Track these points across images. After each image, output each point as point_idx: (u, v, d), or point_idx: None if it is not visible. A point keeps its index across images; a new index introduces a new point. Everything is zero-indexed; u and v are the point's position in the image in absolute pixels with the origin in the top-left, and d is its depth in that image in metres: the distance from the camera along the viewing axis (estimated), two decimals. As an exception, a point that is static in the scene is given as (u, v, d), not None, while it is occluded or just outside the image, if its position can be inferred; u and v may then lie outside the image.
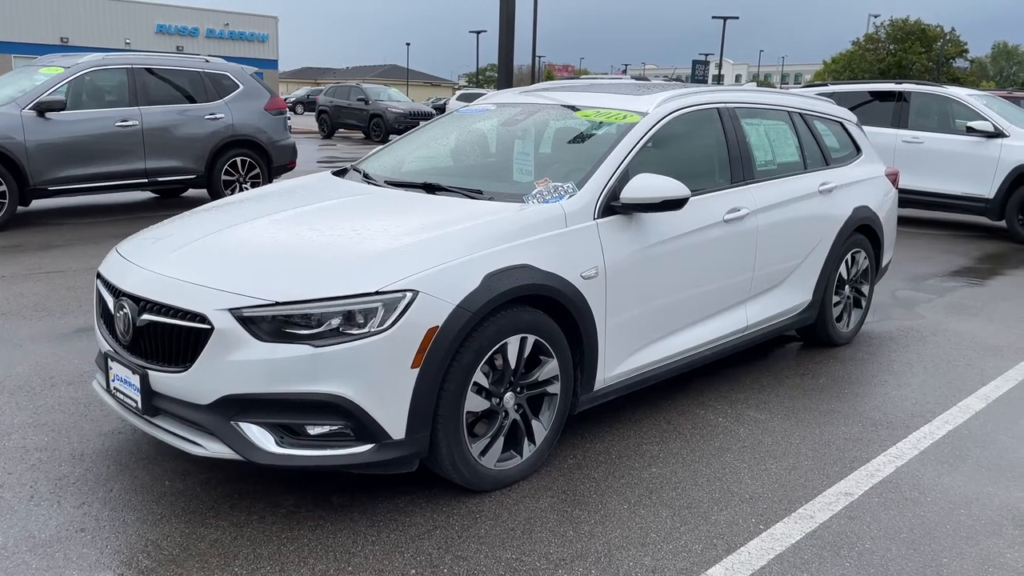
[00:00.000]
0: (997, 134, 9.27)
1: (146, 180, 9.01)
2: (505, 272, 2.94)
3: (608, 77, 26.96)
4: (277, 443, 2.70)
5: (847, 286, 5.08)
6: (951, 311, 6.09)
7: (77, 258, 6.87)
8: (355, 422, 2.69)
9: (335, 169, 4.38)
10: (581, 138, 3.99)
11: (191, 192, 10.55)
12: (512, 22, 13.12)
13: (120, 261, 3.18)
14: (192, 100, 9.31)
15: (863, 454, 3.54)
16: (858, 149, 5.31)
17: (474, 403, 2.93)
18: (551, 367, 3.17)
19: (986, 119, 9.39)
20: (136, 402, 2.89)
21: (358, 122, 25.27)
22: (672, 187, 3.38)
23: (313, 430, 2.72)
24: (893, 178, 5.52)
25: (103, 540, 2.70)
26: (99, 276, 3.25)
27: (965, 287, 6.95)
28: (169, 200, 10.46)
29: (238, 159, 9.69)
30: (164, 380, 2.80)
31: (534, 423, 3.18)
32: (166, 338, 2.81)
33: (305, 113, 43.86)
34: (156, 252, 3.13)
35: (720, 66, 55.82)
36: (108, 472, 3.16)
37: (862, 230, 5.05)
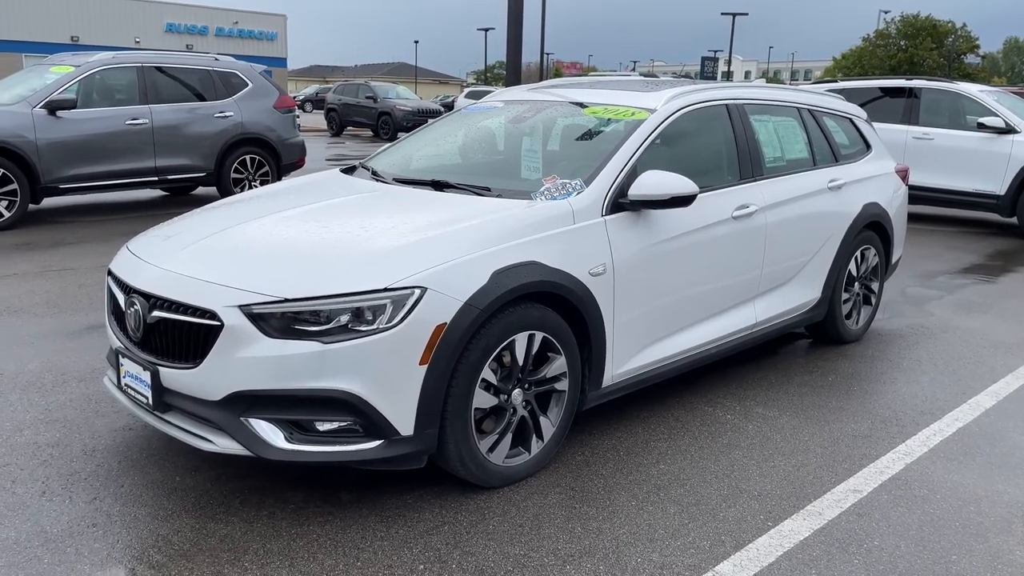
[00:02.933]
0: (1008, 130, 9.21)
1: (156, 178, 9.06)
2: (513, 269, 2.94)
3: (617, 74, 26.91)
4: (287, 439, 2.72)
5: (856, 283, 5.06)
6: (961, 308, 6.06)
7: (88, 256, 6.92)
8: (364, 418, 2.70)
9: (344, 167, 4.40)
10: (589, 135, 3.99)
11: (200, 190, 10.59)
12: (520, 19, 13.11)
13: (131, 258, 3.20)
14: (201, 98, 9.35)
15: (872, 451, 3.54)
16: (868, 145, 5.28)
17: (482, 400, 2.94)
18: (559, 364, 3.18)
19: (997, 115, 9.32)
20: (147, 398, 2.91)
21: (367, 120, 25.32)
22: (680, 184, 3.37)
23: (322, 426, 2.73)
24: (903, 174, 5.49)
25: (114, 535, 2.73)
26: (110, 273, 3.27)
27: (975, 284, 6.92)
28: (179, 198, 10.51)
29: (247, 157, 9.73)
30: (175, 376, 2.82)
31: (542, 420, 3.19)
32: (176, 335, 2.83)
33: (314, 111, 43.95)
34: (166, 249, 3.15)
35: (729, 63, 55.64)
36: (119, 468, 3.19)
37: (872, 227, 5.03)
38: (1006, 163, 9.18)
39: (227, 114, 9.46)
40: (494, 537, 2.78)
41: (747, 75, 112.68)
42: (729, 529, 2.87)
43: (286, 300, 2.68)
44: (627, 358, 3.49)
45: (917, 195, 9.38)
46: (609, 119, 3.87)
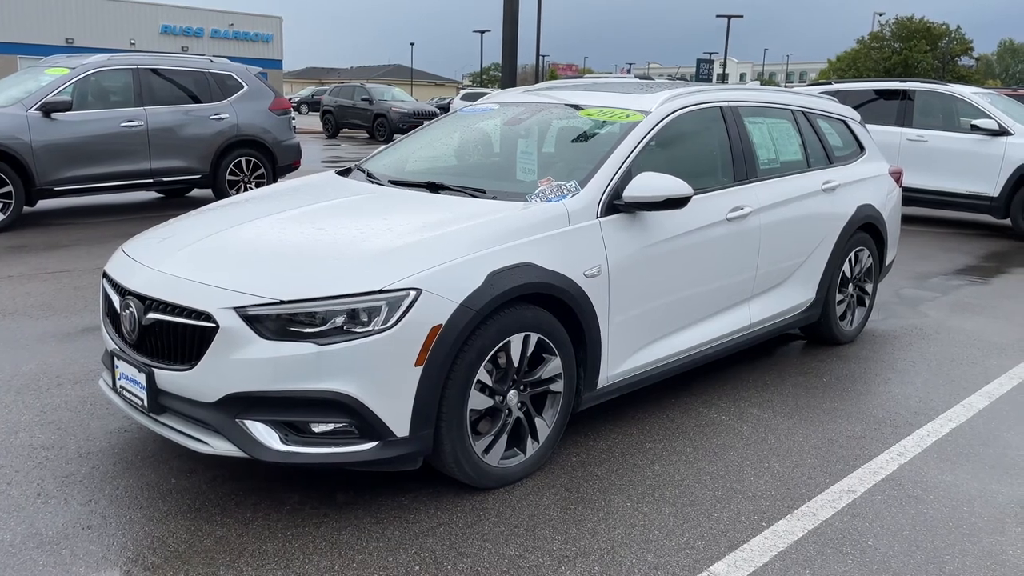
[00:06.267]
0: (1002, 132, 9.25)
1: (151, 180, 9.05)
2: (508, 271, 2.95)
3: (612, 76, 26.94)
4: (282, 441, 2.72)
5: (850, 284, 5.08)
6: (955, 309, 6.09)
7: (83, 258, 6.91)
8: (359, 420, 2.71)
9: (339, 169, 4.40)
10: (584, 137, 4.00)
11: (196, 192, 10.59)
12: (516, 21, 13.13)
13: (126, 260, 3.20)
14: (197, 100, 9.34)
15: (866, 452, 3.55)
16: (861, 147, 5.30)
17: (477, 401, 2.95)
18: (554, 365, 3.18)
19: (991, 117, 9.37)
20: (142, 400, 2.92)
21: (362, 122, 25.32)
22: (675, 186, 3.39)
23: (318, 428, 2.74)
24: (897, 176, 5.51)
25: (110, 537, 2.73)
26: (105, 275, 3.27)
27: (969, 285, 6.94)
28: (174, 200, 10.50)
29: (243, 159, 9.73)
30: (170, 378, 2.82)
31: (537, 421, 3.19)
32: (172, 336, 2.83)
33: (309, 113, 43.92)
34: (162, 251, 3.16)
35: (724, 65, 55.74)
36: (114, 470, 3.18)
37: (866, 228, 5.05)
38: (999, 165, 9.22)
39: (222, 116, 9.45)
40: (489, 538, 2.78)
41: (742, 77, 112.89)
42: (724, 529, 2.88)
43: (281, 302, 2.69)
44: (622, 359, 3.50)
45: (911, 197, 9.42)
46: (604, 121, 3.88)
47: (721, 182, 4.08)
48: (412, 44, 78.17)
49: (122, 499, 2.97)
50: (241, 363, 2.67)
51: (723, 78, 59.05)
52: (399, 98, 26.25)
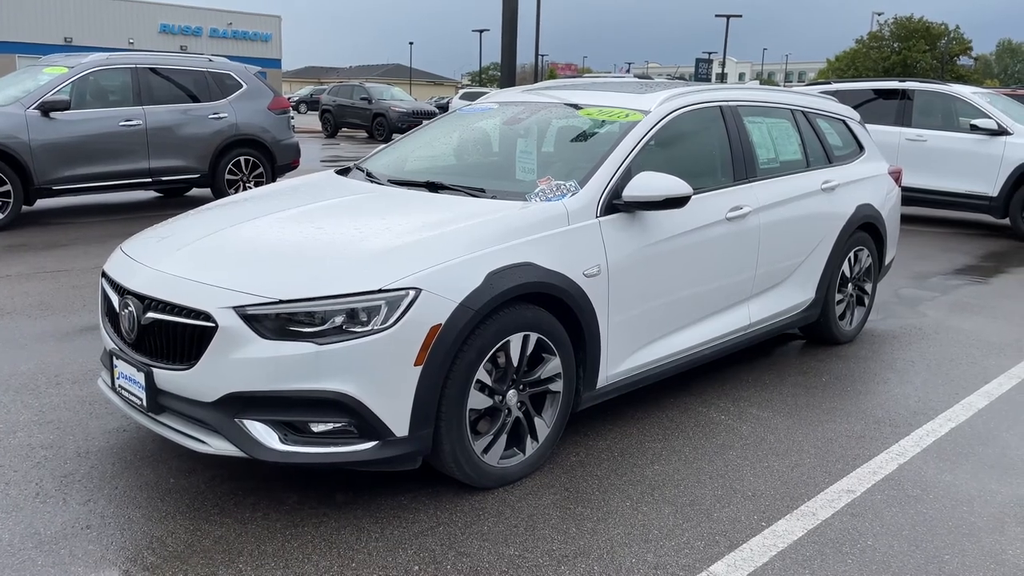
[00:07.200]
0: (1001, 132, 9.25)
1: (150, 179, 9.04)
2: (508, 270, 2.95)
3: (611, 76, 26.94)
4: (281, 440, 2.72)
5: (850, 284, 5.08)
6: (954, 309, 6.09)
7: (81, 257, 6.90)
8: (358, 419, 2.71)
9: (338, 168, 4.40)
10: (583, 136, 4.00)
11: (195, 191, 10.57)
12: (515, 20, 13.13)
13: (125, 260, 3.20)
14: (196, 100, 9.33)
15: (866, 451, 3.55)
16: (861, 147, 5.30)
17: (477, 401, 2.95)
18: (553, 365, 3.18)
19: (990, 117, 9.37)
20: (141, 400, 2.91)
21: (361, 121, 25.31)
22: (674, 185, 3.38)
23: (317, 427, 2.73)
24: (896, 176, 5.51)
25: (108, 537, 2.72)
26: (104, 275, 3.27)
27: (968, 285, 6.95)
28: (173, 199, 10.49)
29: (242, 158, 9.71)
30: (169, 378, 2.81)
31: (537, 421, 3.19)
32: (171, 336, 2.83)
33: (308, 112, 43.90)
34: (160, 251, 3.15)
35: (723, 64, 55.79)
36: (113, 469, 3.18)
37: (865, 228, 5.05)
38: (999, 165, 9.23)
39: (221, 115, 9.44)
40: (489, 538, 2.78)
41: (741, 77, 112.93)
42: (723, 529, 2.88)
43: (280, 301, 2.68)
44: (621, 359, 3.50)
45: (910, 196, 9.42)
46: (603, 121, 3.88)
47: (720, 182, 4.08)
48: (411, 44, 78.19)
49: (121, 499, 2.96)
50: (240, 363, 2.67)
51: (722, 78, 59.11)
52: (398, 97, 26.25)
